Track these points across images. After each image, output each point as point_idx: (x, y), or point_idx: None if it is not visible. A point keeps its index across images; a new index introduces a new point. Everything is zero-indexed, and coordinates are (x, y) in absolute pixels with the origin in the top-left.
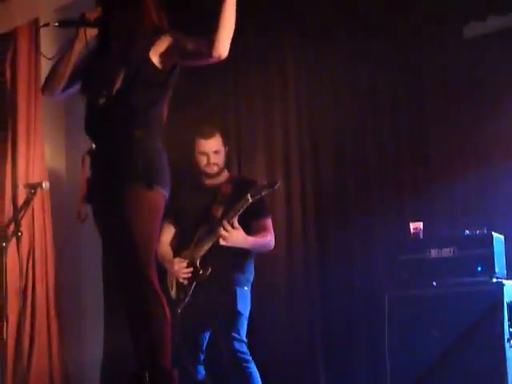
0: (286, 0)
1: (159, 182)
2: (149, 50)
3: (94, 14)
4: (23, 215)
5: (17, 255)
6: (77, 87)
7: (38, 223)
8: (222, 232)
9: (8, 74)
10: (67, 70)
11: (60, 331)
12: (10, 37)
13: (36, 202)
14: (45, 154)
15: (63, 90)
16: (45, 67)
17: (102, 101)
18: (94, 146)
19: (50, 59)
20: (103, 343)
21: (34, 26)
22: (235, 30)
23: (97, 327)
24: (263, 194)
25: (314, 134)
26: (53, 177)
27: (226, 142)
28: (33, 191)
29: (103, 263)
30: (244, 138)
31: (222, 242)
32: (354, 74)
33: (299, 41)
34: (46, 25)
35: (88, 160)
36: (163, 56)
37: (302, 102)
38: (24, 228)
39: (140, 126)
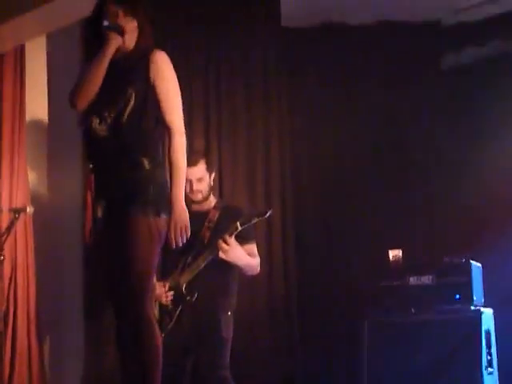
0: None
1: (166, 209)
2: (149, 70)
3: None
4: (6, 239)
5: None
6: None
7: (21, 247)
8: (223, 245)
9: None
10: (98, 81)
11: (40, 352)
12: None
13: (19, 226)
14: (28, 178)
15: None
16: (29, 95)
17: (107, 125)
18: (91, 167)
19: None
20: (83, 368)
21: (20, 53)
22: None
23: (77, 351)
24: (253, 222)
25: (295, 159)
26: (35, 202)
27: (210, 169)
28: (17, 215)
29: (84, 287)
30: (226, 164)
31: (221, 255)
32: (335, 102)
33: (283, 69)
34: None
35: (92, 183)
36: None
37: (284, 128)
38: (6, 252)
39: (148, 153)
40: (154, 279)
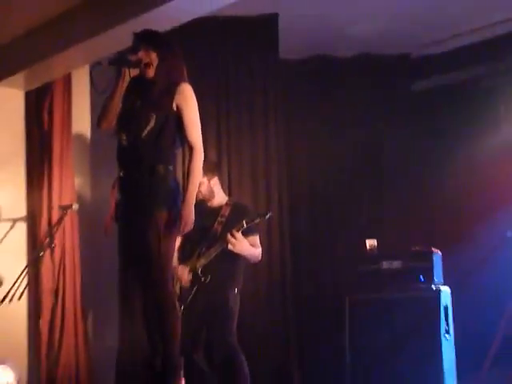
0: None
1: (175, 207)
2: (173, 98)
3: (134, 57)
4: (56, 231)
5: (51, 263)
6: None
7: (68, 237)
8: (232, 239)
9: (45, 117)
10: (116, 106)
11: (84, 323)
12: (48, 87)
13: (67, 220)
14: (74, 181)
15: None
16: (75, 113)
17: (131, 140)
18: (121, 173)
19: (100, 93)
20: (118, 335)
21: (67, 79)
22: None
23: (114, 321)
24: (256, 222)
25: (290, 168)
26: (80, 200)
27: (209, 175)
28: (65, 211)
29: (119, 269)
30: (233, 171)
31: (229, 247)
32: (324, 120)
33: (280, 93)
34: (99, 63)
35: (117, 186)
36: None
37: (281, 141)
38: (57, 241)
39: (163, 162)
40: (173, 263)
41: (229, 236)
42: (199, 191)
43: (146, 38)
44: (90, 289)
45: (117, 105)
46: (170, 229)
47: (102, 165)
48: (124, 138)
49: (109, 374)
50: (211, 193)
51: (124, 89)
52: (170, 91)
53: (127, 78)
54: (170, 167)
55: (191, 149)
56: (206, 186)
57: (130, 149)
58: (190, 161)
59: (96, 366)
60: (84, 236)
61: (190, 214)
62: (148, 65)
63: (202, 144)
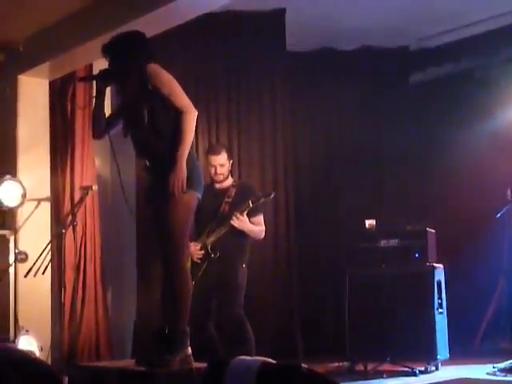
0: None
1: (194, 187)
2: (148, 83)
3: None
4: (78, 210)
5: (72, 239)
6: (119, 127)
7: (89, 216)
8: (235, 219)
9: (68, 105)
10: (101, 115)
11: (104, 296)
12: (71, 77)
13: (88, 200)
14: (95, 164)
15: (107, 131)
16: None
17: (139, 132)
18: (147, 163)
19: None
20: (136, 305)
21: (89, 69)
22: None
23: (131, 293)
24: (261, 201)
25: (296, 153)
26: (100, 181)
27: (230, 158)
28: (86, 192)
29: (137, 247)
30: (243, 155)
31: (234, 224)
32: (326, 111)
33: (287, 84)
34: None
35: (145, 173)
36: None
37: (287, 129)
38: (78, 219)
39: (177, 148)
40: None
41: (233, 217)
42: (221, 173)
43: (104, 50)
44: (109, 263)
45: (100, 116)
46: (189, 208)
47: (120, 148)
48: (133, 134)
49: (127, 342)
50: (228, 175)
51: (103, 103)
52: (143, 79)
53: (103, 92)
54: (190, 152)
55: (181, 113)
56: (227, 168)
57: (144, 142)
58: (181, 123)
59: (115, 336)
60: (103, 214)
61: (181, 173)
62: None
63: (192, 105)
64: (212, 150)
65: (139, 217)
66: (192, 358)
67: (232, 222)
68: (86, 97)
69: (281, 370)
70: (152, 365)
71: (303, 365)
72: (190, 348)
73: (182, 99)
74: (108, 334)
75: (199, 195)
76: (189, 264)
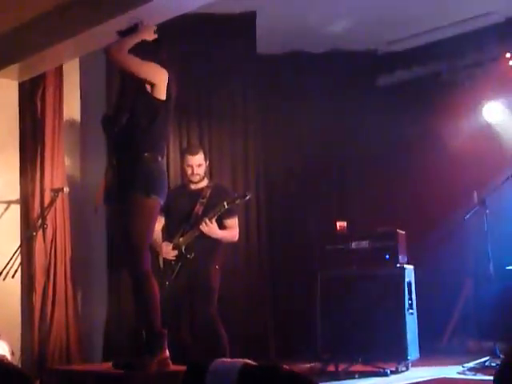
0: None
1: (157, 192)
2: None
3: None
4: (48, 212)
5: (43, 242)
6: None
7: (59, 218)
8: (203, 225)
9: (38, 106)
10: (130, 45)
11: (74, 298)
12: (41, 78)
13: (58, 202)
14: (65, 166)
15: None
16: (66, 101)
17: (116, 129)
18: (114, 161)
19: None
20: (106, 311)
21: (59, 71)
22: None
23: (102, 295)
24: (236, 202)
25: (266, 154)
26: (70, 183)
27: (206, 158)
28: (56, 194)
29: (107, 247)
30: (214, 158)
31: (203, 230)
32: (296, 112)
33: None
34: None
35: (109, 172)
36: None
37: (258, 130)
38: (48, 221)
39: (148, 149)
40: (158, 241)
41: (202, 223)
42: (198, 173)
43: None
44: (80, 266)
45: (129, 45)
46: (150, 213)
47: (91, 149)
48: (112, 128)
49: (97, 345)
50: (204, 176)
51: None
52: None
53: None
54: (159, 157)
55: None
56: (204, 168)
57: (119, 138)
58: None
59: (85, 338)
60: (74, 217)
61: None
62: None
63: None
64: (190, 150)
65: (109, 218)
66: (169, 360)
67: (201, 227)
68: (56, 97)
69: (262, 371)
70: (129, 368)
71: (284, 365)
72: (167, 350)
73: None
74: (78, 336)
75: (162, 201)
76: (161, 264)
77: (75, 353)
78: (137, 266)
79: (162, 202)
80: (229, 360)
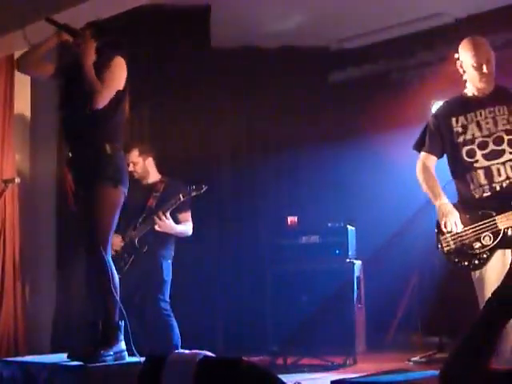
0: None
1: (122, 182)
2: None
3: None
4: None
5: None
6: (45, 75)
7: (9, 209)
8: (158, 221)
9: None
10: (41, 54)
11: (23, 290)
12: None
13: (8, 193)
14: (15, 158)
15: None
16: (17, 94)
17: (79, 117)
18: (69, 154)
19: None
20: (55, 298)
21: (10, 62)
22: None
23: (50, 287)
24: (192, 195)
25: (217, 151)
26: (20, 174)
27: (145, 154)
28: (6, 185)
29: (57, 241)
30: (166, 152)
31: (157, 228)
32: (245, 108)
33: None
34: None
35: (69, 165)
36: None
37: (210, 127)
38: None
39: (109, 139)
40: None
41: (155, 217)
42: (134, 170)
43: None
44: (29, 257)
45: (40, 54)
46: (116, 204)
47: (40, 142)
48: (68, 118)
49: (45, 334)
50: (146, 172)
51: (50, 47)
52: (103, 66)
53: (58, 40)
54: (118, 145)
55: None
56: (141, 166)
57: (76, 129)
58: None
59: (33, 330)
60: (22, 208)
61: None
62: (81, 35)
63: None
64: (125, 148)
65: (59, 211)
66: (126, 352)
67: (156, 226)
68: (6, 89)
69: (221, 363)
70: (85, 359)
71: (244, 358)
72: (123, 342)
73: (101, 93)
74: (26, 328)
75: (126, 190)
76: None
77: (22, 341)
78: (99, 258)
79: (126, 192)
80: (187, 352)
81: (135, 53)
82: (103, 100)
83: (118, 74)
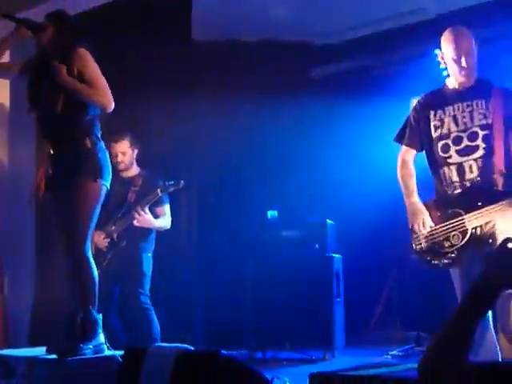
0: None
1: (102, 176)
2: (72, 65)
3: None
4: None
5: None
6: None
7: None
8: (136, 216)
9: None
10: (1, 52)
11: (1, 284)
12: None
13: None
14: None
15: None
16: None
17: (51, 116)
18: (51, 151)
19: None
20: (34, 292)
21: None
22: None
23: (29, 280)
24: (170, 190)
25: (199, 145)
26: None
27: (133, 146)
28: None
29: (36, 233)
30: (145, 147)
31: (135, 223)
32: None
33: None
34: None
35: (48, 160)
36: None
37: (191, 121)
38: None
39: (88, 134)
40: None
41: (134, 212)
42: (122, 161)
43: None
44: (7, 251)
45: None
46: (97, 198)
47: (18, 133)
48: (42, 117)
49: (23, 331)
50: (131, 163)
51: (10, 42)
52: (67, 59)
53: (18, 36)
54: (94, 137)
55: (100, 108)
56: (129, 156)
57: (53, 126)
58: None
59: (11, 324)
60: (2, 203)
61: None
62: (42, 28)
63: (111, 102)
64: (113, 138)
65: (39, 204)
66: (105, 345)
67: (135, 221)
68: None
69: (200, 356)
70: (65, 353)
71: (222, 351)
72: (102, 335)
73: (103, 95)
74: (4, 321)
75: (107, 184)
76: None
77: (1, 338)
78: (81, 252)
79: (108, 186)
80: (167, 345)
81: (110, 43)
82: (108, 99)
83: (94, 66)
